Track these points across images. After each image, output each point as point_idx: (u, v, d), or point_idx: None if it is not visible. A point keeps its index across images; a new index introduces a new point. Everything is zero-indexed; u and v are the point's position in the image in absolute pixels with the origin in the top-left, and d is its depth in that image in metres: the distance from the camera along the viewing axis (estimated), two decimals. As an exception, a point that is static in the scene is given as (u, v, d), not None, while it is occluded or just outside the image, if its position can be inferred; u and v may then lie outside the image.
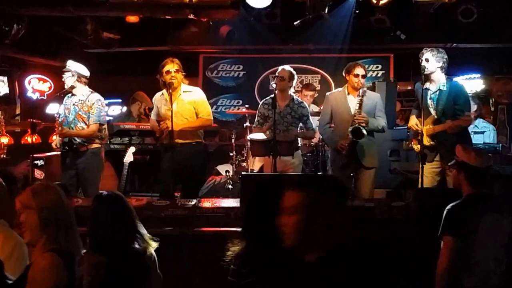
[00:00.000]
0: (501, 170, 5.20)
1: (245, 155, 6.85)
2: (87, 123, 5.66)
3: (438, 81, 5.19)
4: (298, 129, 5.91)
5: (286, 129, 5.76)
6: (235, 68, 9.40)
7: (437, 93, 5.19)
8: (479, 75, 8.96)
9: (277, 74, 5.87)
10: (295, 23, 7.29)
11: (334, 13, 7.13)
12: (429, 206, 4.17)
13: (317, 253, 2.02)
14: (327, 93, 5.99)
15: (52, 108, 8.13)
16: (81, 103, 5.70)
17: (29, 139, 8.12)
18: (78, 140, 5.65)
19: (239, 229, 2.35)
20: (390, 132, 6.39)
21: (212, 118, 5.73)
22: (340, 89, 5.74)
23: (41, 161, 6.65)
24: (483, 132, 6.62)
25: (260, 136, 5.73)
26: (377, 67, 9.15)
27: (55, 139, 5.94)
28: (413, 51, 5.41)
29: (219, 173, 7.25)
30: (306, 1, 6.79)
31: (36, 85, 9.36)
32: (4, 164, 6.77)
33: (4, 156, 7.27)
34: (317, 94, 7.55)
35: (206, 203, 4.95)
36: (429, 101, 5.18)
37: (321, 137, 6.28)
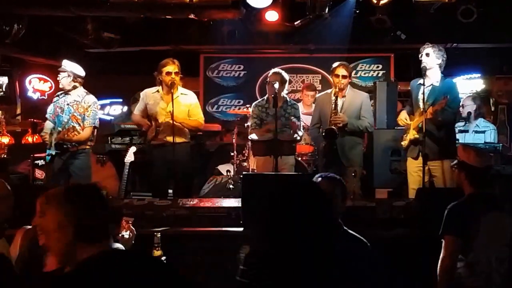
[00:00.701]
0: (502, 170, 5.22)
1: (246, 154, 6.86)
2: (81, 125, 5.63)
3: (433, 78, 5.22)
4: None
5: (280, 130, 5.77)
6: (235, 68, 9.39)
7: (430, 88, 5.22)
8: (479, 75, 8.95)
9: (268, 80, 5.85)
10: (295, 23, 7.30)
11: (334, 13, 7.13)
12: (430, 206, 4.18)
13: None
14: (317, 95, 6.06)
15: (53, 108, 8.13)
16: (76, 104, 5.67)
17: (29, 139, 8.13)
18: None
19: (245, 230, 2.33)
20: (390, 132, 6.41)
21: (203, 123, 5.85)
22: (329, 90, 5.79)
23: (42, 161, 6.66)
24: (484, 132, 6.62)
25: (257, 136, 5.77)
26: (378, 67, 9.15)
27: (43, 133, 5.85)
28: (413, 51, 5.43)
29: (220, 173, 7.25)
30: (306, 1, 6.80)
31: (36, 85, 9.36)
32: (5, 164, 6.78)
33: (5, 156, 7.28)
34: (318, 94, 7.55)
35: (207, 203, 4.96)
36: (420, 95, 5.18)
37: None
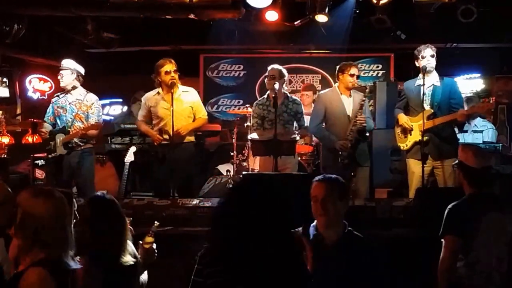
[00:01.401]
0: (501, 170, 5.22)
1: (246, 154, 6.86)
2: (85, 123, 5.65)
3: (433, 78, 5.23)
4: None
5: (283, 127, 5.76)
6: (235, 68, 9.40)
7: (431, 88, 5.22)
8: (479, 75, 8.95)
9: (267, 74, 5.90)
10: (295, 23, 7.30)
11: (334, 13, 7.13)
12: (430, 206, 4.18)
13: None
14: (319, 93, 6.02)
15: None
16: (78, 103, 5.69)
17: (29, 139, 8.13)
18: (76, 140, 5.64)
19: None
20: (390, 132, 6.40)
21: (207, 118, 5.86)
22: (331, 88, 5.77)
23: (42, 161, 6.67)
24: (482, 131, 6.64)
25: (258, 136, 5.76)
26: (377, 67, 9.15)
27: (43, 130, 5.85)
28: (413, 51, 5.42)
29: (220, 173, 7.25)
30: (306, 1, 6.80)
31: (36, 85, 9.36)
32: (5, 164, 6.78)
33: (5, 156, 7.28)
34: (320, 92, 7.55)
35: (207, 203, 4.96)
36: (421, 97, 5.17)
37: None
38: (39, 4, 6.40)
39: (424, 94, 5.13)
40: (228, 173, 7.03)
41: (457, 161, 3.39)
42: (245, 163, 6.85)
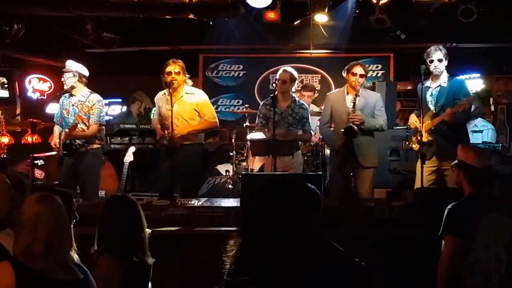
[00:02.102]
0: (501, 170, 5.22)
1: (245, 154, 6.85)
2: (87, 124, 5.65)
3: (441, 79, 5.22)
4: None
5: (287, 129, 5.75)
6: (235, 68, 9.40)
7: (438, 89, 5.23)
8: (479, 75, 8.96)
9: (278, 77, 5.81)
10: (295, 23, 7.30)
11: (334, 13, 7.12)
12: (429, 206, 4.18)
13: None
14: (328, 93, 6.00)
15: (52, 108, 8.14)
16: (81, 104, 5.70)
17: (29, 139, 8.14)
18: (78, 141, 5.64)
19: (236, 229, 2.33)
20: (390, 132, 6.40)
21: (217, 120, 5.79)
22: (340, 89, 5.75)
23: (41, 161, 6.67)
24: (481, 131, 6.64)
25: (260, 135, 5.73)
26: (377, 67, 9.15)
27: (54, 139, 5.90)
28: (413, 51, 5.43)
29: (219, 173, 7.25)
30: (306, 1, 6.80)
31: (36, 85, 9.37)
32: (4, 164, 6.79)
33: (4, 156, 7.28)
34: (316, 94, 7.55)
35: (206, 203, 4.96)
36: (428, 98, 5.21)
37: (321, 136, 6.29)
38: (39, 4, 6.42)
39: (431, 95, 5.18)
40: (227, 173, 7.02)
41: (456, 161, 3.38)
42: (244, 163, 6.84)
